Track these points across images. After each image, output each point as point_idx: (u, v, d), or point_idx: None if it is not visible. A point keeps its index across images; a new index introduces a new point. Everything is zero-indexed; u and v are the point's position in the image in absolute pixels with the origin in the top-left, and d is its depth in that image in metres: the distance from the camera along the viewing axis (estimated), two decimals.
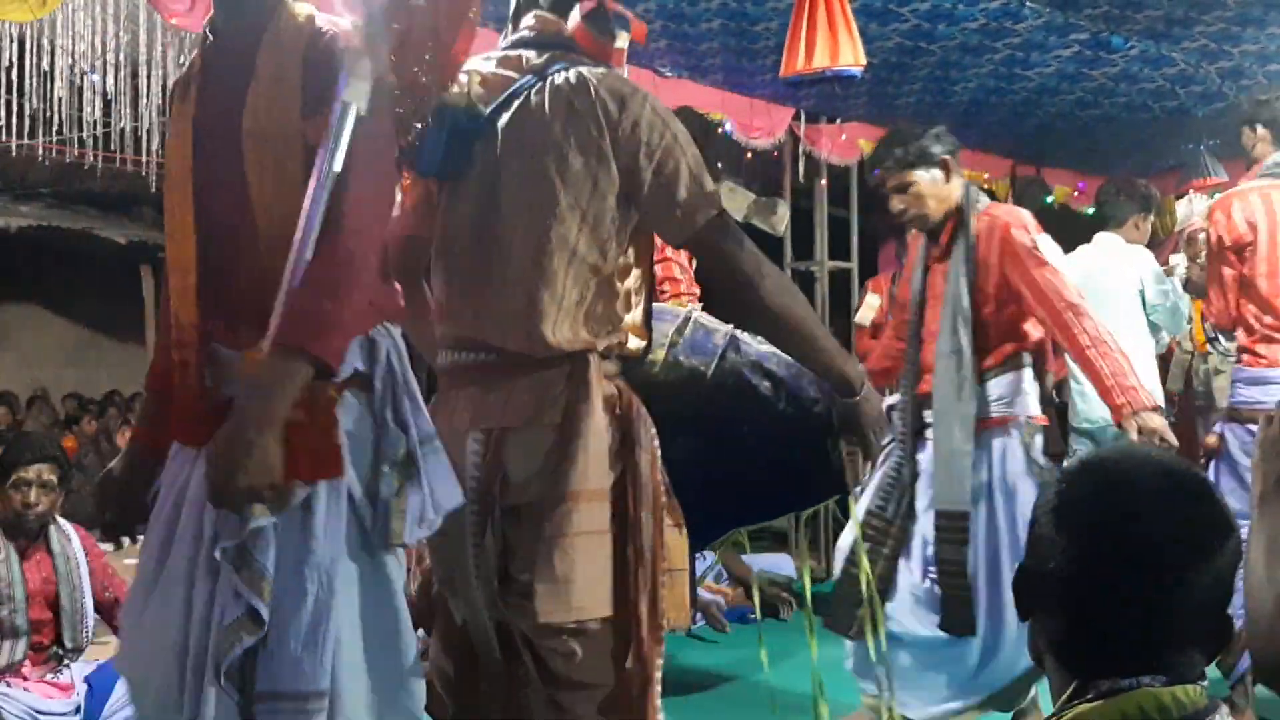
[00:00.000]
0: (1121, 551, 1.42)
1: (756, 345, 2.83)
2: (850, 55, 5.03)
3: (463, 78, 2.49)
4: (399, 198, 2.52)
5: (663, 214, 2.40)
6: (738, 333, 2.84)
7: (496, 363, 2.41)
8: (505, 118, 2.43)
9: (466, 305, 2.45)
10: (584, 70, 2.42)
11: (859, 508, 3.81)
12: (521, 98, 2.43)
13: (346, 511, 2.14)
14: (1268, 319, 4.47)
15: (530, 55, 2.51)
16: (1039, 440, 3.97)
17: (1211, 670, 1.50)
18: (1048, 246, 3.97)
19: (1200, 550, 1.42)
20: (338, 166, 2.05)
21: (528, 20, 2.57)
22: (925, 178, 4.03)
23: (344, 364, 2.12)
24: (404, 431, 2.19)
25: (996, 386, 3.99)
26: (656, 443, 2.43)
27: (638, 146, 2.36)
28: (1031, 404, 4.00)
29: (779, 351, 2.75)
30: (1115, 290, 5.44)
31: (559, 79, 2.41)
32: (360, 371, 2.18)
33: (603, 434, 2.36)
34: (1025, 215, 4.06)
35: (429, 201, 2.57)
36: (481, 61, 2.55)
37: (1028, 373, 4.02)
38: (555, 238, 2.35)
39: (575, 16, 2.52)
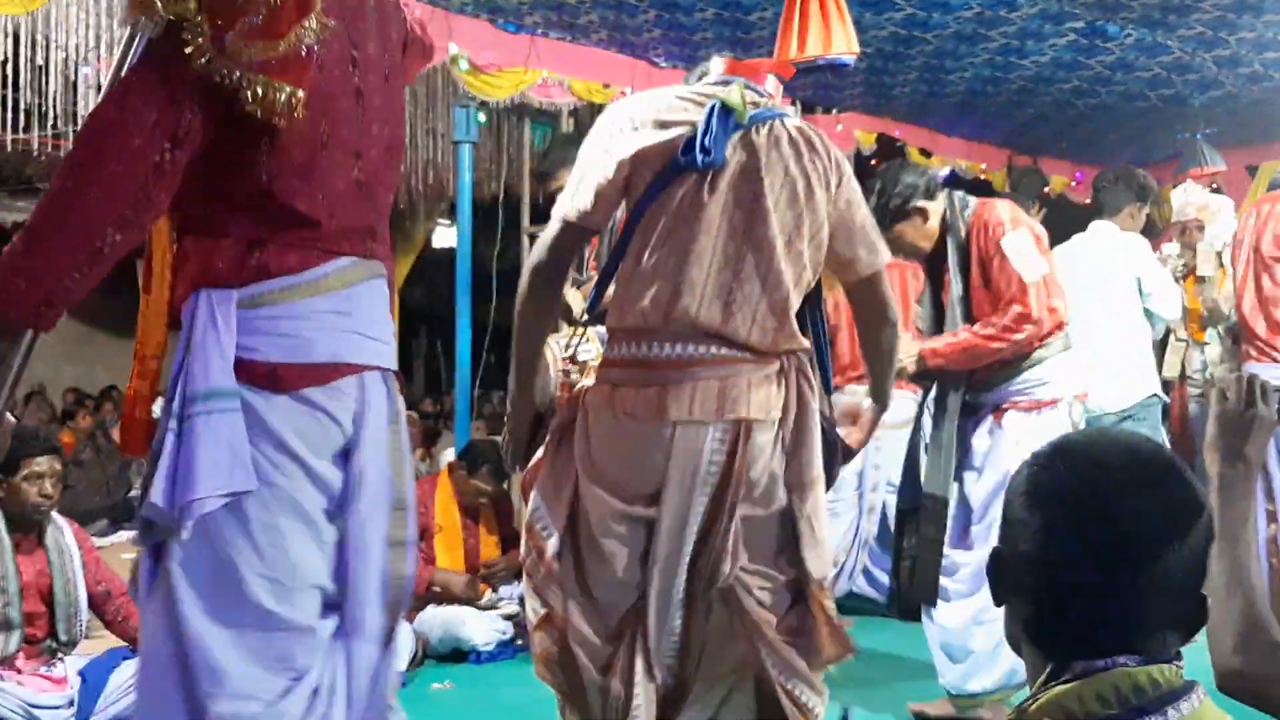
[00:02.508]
0: (1094, 533, 1.41)
1: None
2: (843, 44, 5.03)
3: (724, 90, 2.77)
4: (594, 191, 2.70)
5: (859, 250, 2.89)
6: None
7: (737, 358, 2.69)
8: (757, 137, 2.75)
9: (714, 299, 2.68)
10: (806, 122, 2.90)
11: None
12: (766, 124, 2.77)
13: None
14: None
15: (750, 95, 2.82)
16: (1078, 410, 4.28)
17: (1190, 651, 1.49)
18: (1016, 241, 4.14)
19: (1172, 531, 1.41)
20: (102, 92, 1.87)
21: (771, 84, 2.95)
22: (907, 227, 4.26)
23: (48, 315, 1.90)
24: (168, 403, 1.93)
25: (1028, 372, 4.20)
26: None
27: (852, 194, 2.86)
28: (1065, 384, 4.24)
29: None
30: (1111, 279, 5.44)
31: (793, 121, 2.83)
32: None
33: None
34: (1004, 209, 4.25)
35: (614, 200, 2.79)
36: (720, 87, 2.83)
37: (1057, 359, 4.23)
38: (795, 251, 2.75)
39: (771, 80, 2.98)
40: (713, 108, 2.69)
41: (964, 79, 7.72)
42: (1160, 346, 6.07)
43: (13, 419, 1.88)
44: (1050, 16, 6.58)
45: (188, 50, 1.80)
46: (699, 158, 2.65)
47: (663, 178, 2.70)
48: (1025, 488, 1.48)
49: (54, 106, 6.85)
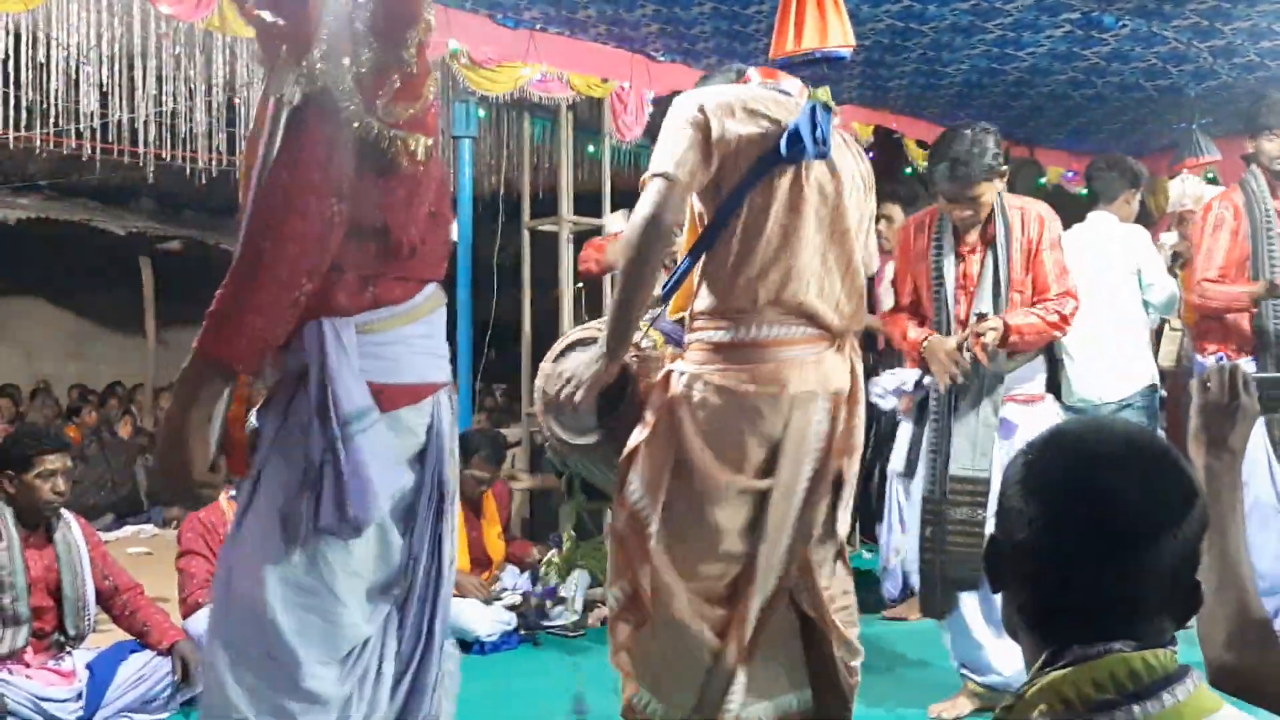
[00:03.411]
0: (1088, 521, 1.44)
1: None
2: (840, 36, 5.02)
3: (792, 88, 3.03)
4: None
5: (871, 249, 3.13)
6: None
7: (822, 336, 2.93)
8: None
9: (810, 285, 2.90)
10: None
11: (914, 492, 4.36)
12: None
13: (269, 505, 2.16)
14: None
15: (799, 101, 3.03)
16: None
17: (1184, 635, 1.52)
18: (1065, 240, 4.35)
19: (1166, 517, 1.44)
20: (270, 162, 2.05)
21: (793, 85, 3.11)
22: (988, 189, 4.21)
23: (272, 362, 2.13)
24: (323, 423, 2.12)
25: (1030, 367, 4.32)
26: None
27: (875, 198, 3.16)
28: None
29: None
30: (1111, 271, 5.46)
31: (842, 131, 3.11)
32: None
33: None
34: (1047, 206, 4.38)
35: (704, 178, 2.92)
36: (781, 94, 3.04)
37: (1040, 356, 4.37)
38: (860, 244, 3.03)
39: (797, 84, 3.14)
40: (815, 106, 2.86)
41: (960, 71, 7.72)
42: (1155, 335, 6.09)
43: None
44: (1046, 8, 6.58)
45: (345, 116, 2.05)
46: (815, 149, 2.83)
47: (760, 168, 2.86)
48: (1020, 476, 1.50)
49: (55, 104, 6.86)
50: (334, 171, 2.04)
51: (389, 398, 2.19)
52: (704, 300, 2.94)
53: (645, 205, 2.84)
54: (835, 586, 3.08)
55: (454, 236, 7.24)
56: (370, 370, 2.17)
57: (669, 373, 2.97)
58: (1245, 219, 4.98)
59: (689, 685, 2.97)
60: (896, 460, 4.43)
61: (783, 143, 2.84)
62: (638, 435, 2.95)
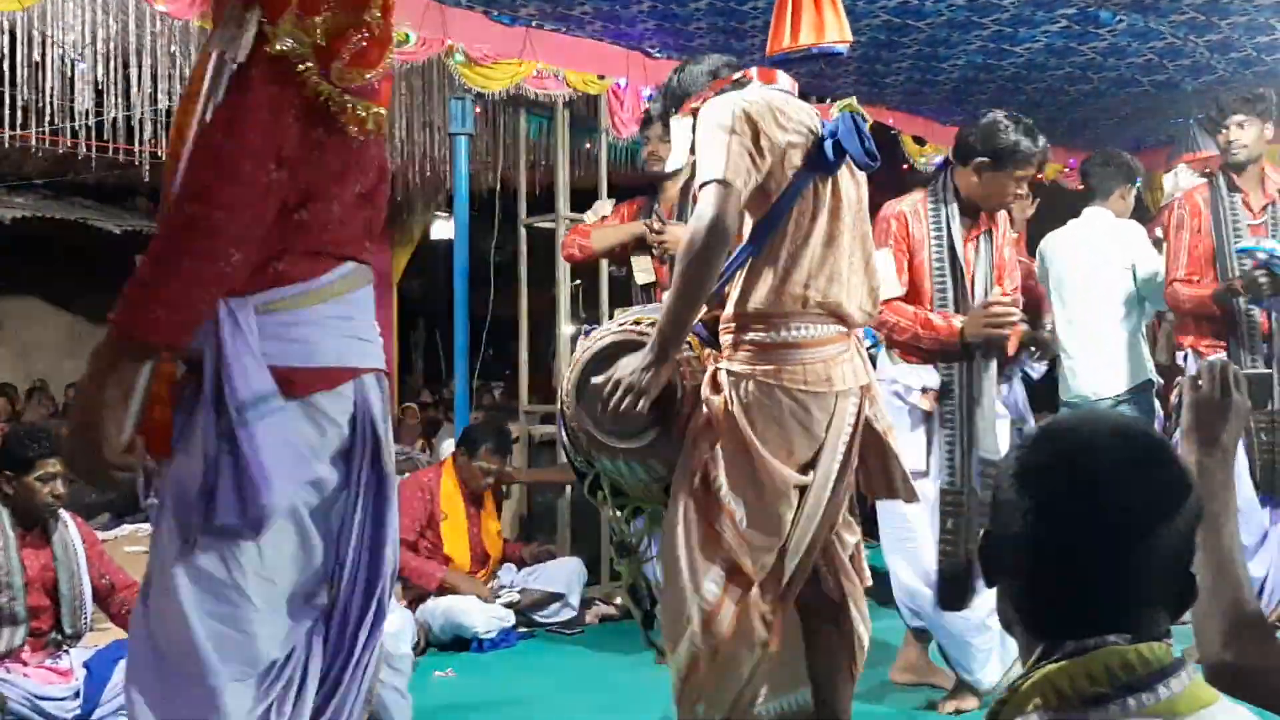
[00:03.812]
0: (1082, 514, 1.44)
1: None
2: (836, 32, 5.04)
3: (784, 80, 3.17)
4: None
5: None
6: None
7: (847, 334, 3.05)
8: None
9: (840, 284, 3.02)
10: None
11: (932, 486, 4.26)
12: None
13: (173, 493, 2.00)
14: None
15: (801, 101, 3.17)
16: None
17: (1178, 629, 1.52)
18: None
19: (1160, 510, 1.44)
20: (206, 118, 1.89)
21: (787, 82, 3.22)
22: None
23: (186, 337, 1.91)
24: (217, 412, 1.93)
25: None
26: None
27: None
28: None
29: None
30: (1107, 266, 5.47)
31: None
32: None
33: None
34: None
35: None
36: (785, 92, 3.16)
37: None
38: (872, 240, 3.22)
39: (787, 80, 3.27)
40: (855, 116, 2.99)
41: (957, 66, 7.72)
42: (1152, 330, 6.11)
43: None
44: (1042, 3, 6.58)
45: (299, 78, 1.89)
46: (865, 160, 3.00)
47: (804, 175, 2.95)
48: (1015, 469, 1.51)
49: (50, 103, 6.86)
50: (277, 136, 1.89)
51: (296, 383, 2.00)
52: (751, 303, 2.99)
53: (707, 210, 2.86)
54: (854, 562, 3.19)
55: (450, 234, 7.23)
56: (274, 354, 1.98)
57: (715, 374, 3.00)
58: (1205, 213, 5.05)
59: (735, 682, 2.99)
60: (915, 459, 4.19)
61: (828, 150, 2.94)
62: (705, 437, 2.97)
